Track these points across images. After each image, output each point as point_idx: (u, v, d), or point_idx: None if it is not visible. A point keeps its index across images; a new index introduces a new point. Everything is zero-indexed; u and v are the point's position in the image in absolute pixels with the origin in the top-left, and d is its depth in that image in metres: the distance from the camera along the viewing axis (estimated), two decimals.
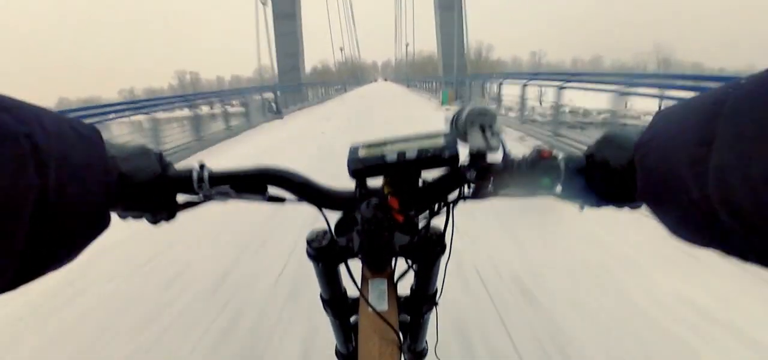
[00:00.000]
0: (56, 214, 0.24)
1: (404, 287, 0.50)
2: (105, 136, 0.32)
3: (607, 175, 0.33)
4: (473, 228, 2.43)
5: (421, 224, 0.45)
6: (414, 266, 0.48)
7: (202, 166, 0.42)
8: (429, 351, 0.60)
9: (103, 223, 0.30)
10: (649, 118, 0.29)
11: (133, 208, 0.38)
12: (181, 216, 0.42)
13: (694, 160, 0.22)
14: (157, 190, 0.39)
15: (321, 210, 0.45)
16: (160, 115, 6.55)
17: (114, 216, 0.33)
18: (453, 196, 0.43)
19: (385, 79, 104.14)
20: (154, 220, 0.41)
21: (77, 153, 0.27)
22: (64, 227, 0.25)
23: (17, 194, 0.21)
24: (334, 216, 0.46)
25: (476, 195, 0.41)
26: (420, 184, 0.42)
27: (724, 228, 0.21)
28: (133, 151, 0.37)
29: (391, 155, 0.40)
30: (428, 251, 0.46)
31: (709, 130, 0.21)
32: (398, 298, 0.48)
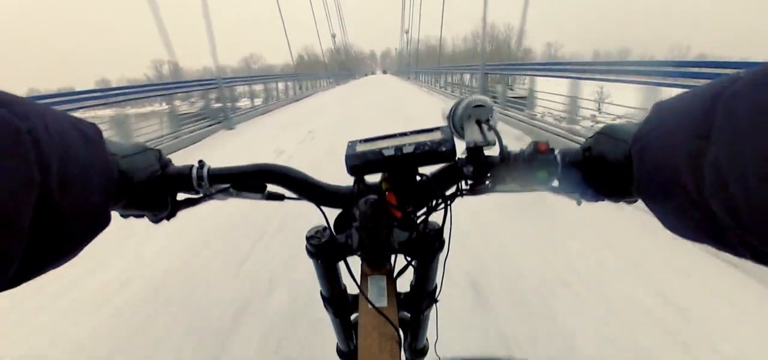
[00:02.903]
0: (58, 212, 0.24)
1: (404, 284, 0.51)
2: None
3: (604, 169, 0.33)
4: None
5: (420, 220, 0.45)
6: (413, 263, 0.48)
7: (201, 164, 0.42)
8: (429, 348, 0.60)
9: (104, 222, 0.30)
10: None
11: (133, 206, 0.38)
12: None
13: (690, 154, 0.21)
14: (156, 189, 0.39)
15: (320, 207, 0.45)
16: None
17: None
18: (450, 191, 0.43)
19: (384, 72, 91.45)
20: (155, 219, 0.41)
21: (79, 151, 0.27)
22: (66, 225, 0.25)
23: (20, 191, 0.21)
24: (333, 213, 0.45)
25: (473, 190, 0.41)
26: (418, 179, 0.42)
27: (720, 224, 0.20)
28: (132, 149, 0.37)
29: (388, 150, 0.40)
30: (427, 247, 0.46)
31: (706, 124, 0.20)
32: (398, 295, 0.48)
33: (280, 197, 0.44)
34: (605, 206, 0.38)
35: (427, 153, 0.39)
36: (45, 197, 0.23)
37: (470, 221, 2.38)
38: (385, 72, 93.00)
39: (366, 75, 69.42)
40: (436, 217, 0.45)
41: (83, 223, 0.27)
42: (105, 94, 5.62)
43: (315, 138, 5.90)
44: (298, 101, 13.39)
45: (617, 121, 0.36)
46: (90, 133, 0.29)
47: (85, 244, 0.29)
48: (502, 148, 0.38)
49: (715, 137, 0.20)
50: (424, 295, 0.51)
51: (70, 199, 0.25)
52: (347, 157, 0.41)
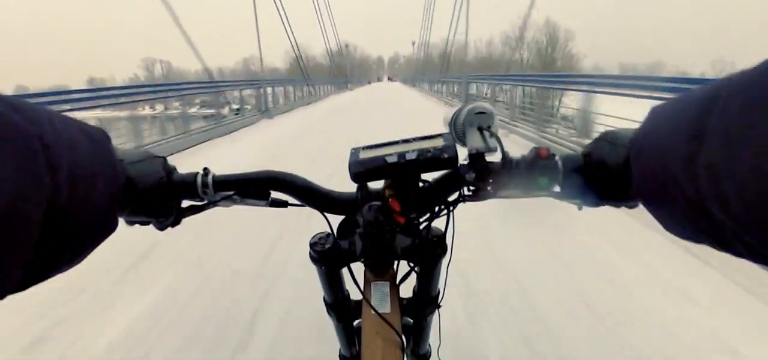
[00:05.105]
0: (66, 217, 0.24)
1: (407, 290, 0.51)
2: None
3: (604, 173, 0.33)
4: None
5: (423, 226, 0.45)
6: (416, 268, 0.48)
7: (206, 172, 0.42)
8: (432, 354, 0.60)
9: (111, 227, 0.30)
10: None
11: (139, 213, 0.38)
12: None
13: (685, 156, 0.22)
14: (162, 196, 0.39)
15: (324, 213, 0.45)
16: None
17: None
18: (453, 197, 0.43)
19: (390, 79, 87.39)
20: (161, 226, 0.41)
21: (87, 156, 0.27)
22: (74, 230, 0.25)
23: (30, 195, 0.21)
24: (336, 220, 0.47)
25: (476, 196, 0.41)
26: (420, 186, 0.42)
27: (717, 224, 0.21)
28: (139, 156, 0.38)
29: (391, 157, 0.40)
30: (429, 253, 0.46)
31: (701, 126, 0.21)
32: (401, 301, 0.48)
33: (285, 204, 0.45)
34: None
35: (429, 160, 0.39)
36: (54, 202, 0.23)
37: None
38: (390, 79, 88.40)
39: (369, 82, 61.02)
40: (438, 224, 0.46)
41: (91, 227, 0.28)
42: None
43: None
44: None
45: (619, 127, 0.36)
46: (98, 138, 0.29)
47: (92, 249, 0.29)
48: (504, 154, 0.38)
49: (708, 138, 0.20)
50: (427, 301, 0.51)
51: (79, 203, 0.25)
52: (351, 165, 0.41)
